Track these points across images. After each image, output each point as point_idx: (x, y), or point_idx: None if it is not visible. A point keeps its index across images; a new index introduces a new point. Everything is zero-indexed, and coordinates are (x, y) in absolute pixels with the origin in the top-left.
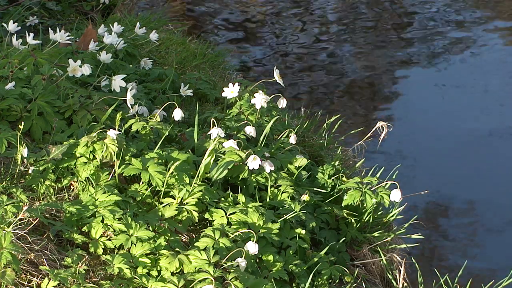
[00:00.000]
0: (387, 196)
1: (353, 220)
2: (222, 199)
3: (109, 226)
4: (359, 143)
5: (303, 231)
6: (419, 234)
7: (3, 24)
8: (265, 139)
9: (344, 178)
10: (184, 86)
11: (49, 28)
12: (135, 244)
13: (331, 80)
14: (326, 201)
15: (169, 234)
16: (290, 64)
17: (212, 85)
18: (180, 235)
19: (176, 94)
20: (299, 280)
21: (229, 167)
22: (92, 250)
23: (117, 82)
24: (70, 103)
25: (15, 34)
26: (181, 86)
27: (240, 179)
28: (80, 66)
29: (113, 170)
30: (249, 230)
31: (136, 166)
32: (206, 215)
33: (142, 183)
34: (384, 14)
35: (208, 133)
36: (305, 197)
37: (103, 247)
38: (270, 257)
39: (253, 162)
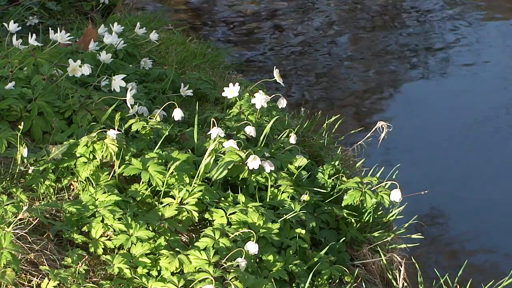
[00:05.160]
0: (387, 196)
1: (353, 220)
2: (222, 199)
3: (109, 226)
4: (359, 143)
5: (303, 231)
6: (419, 234)
7: (3, 24)
8: (265, 139)
9: (344, 178)
10: (184, 86)
11: (49, 28)
12: (135, 244)
13: (331, 80)
14: (326, 201)
15: (169, 234)
16: (290, 64)
17: (212, 85)
18: (180, 235)
19: (176, 94)
20: (299, 280)
21: (229, 167)
22: (92, 250)
23: (117, 82)
24: (70, 103)
25: (15, 34)
26: (181, 86)
27: (240, 179)
28: (80, 66)
29: (113, 170)
30: (249, 230)
31: (136, 166)
32: (206, 215)
33: (142, 183)
34: (384, 13)
35: (208, 133)
36: (305, 197)
37: (103, 247)
38: (270, 257)
39: (253, 162)
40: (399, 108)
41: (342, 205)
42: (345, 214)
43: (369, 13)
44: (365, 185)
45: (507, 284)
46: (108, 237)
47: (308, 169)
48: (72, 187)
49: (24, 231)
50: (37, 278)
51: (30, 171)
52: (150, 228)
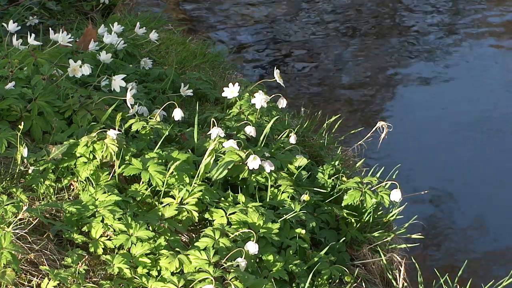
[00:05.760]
0: (387, 196)
1: (353, 220)
2: (222, 199)
3: (109, 226)
4: (359, 143)
5: (303, 231)
6: (419, 234)
7: (3, 24)
8: (265, 139)
9: (344, 178)
10: (184, 86)
11: (50, 28)
12: (135, 244)
13: (331, 80)
14: (326, 201)
15: (169, 234)
16: (290, 64)
17: (212, 85)
18: (180, 235)
19: (176, 94)
20: (299, 280)
21: (229, 167)
22: (92, 250)
23: (117, 82)
24: (70, 103)
25: (15, 34)
26: (181, 86)
27: (240, 179)
28: (80, 66)
29: (113, 170)
30: (249, 230)
31: (136, 166)
32: (206, 215)
33: (142, 183)
34: (383, 14)
35: (208, 133)
36: (305, 197)
37: (103, 247)
38: (270, 257)
39: (253, 162)
40: (400, 107)
41: (342, 205)
42: (345, 214)
43: (369, 15)
44: (365, 185)
45: (507, 284)
46: (108, 237)
47: (308, 169)
48: (72, 187)
49: (24, 231)
50: (37, 278)
51: (30, 171)
52: (150, 228)
